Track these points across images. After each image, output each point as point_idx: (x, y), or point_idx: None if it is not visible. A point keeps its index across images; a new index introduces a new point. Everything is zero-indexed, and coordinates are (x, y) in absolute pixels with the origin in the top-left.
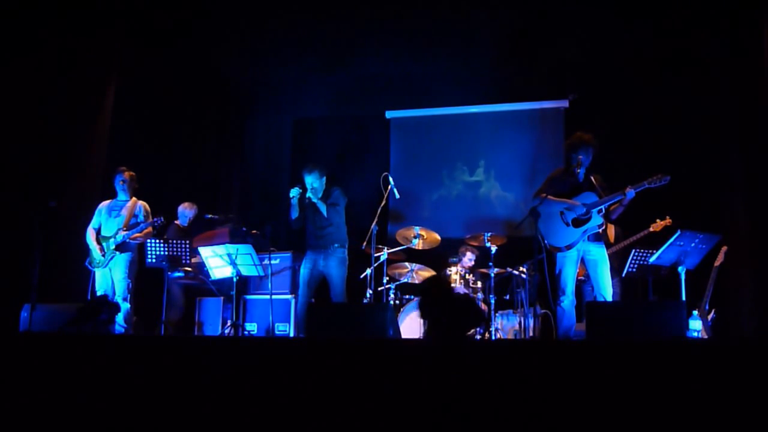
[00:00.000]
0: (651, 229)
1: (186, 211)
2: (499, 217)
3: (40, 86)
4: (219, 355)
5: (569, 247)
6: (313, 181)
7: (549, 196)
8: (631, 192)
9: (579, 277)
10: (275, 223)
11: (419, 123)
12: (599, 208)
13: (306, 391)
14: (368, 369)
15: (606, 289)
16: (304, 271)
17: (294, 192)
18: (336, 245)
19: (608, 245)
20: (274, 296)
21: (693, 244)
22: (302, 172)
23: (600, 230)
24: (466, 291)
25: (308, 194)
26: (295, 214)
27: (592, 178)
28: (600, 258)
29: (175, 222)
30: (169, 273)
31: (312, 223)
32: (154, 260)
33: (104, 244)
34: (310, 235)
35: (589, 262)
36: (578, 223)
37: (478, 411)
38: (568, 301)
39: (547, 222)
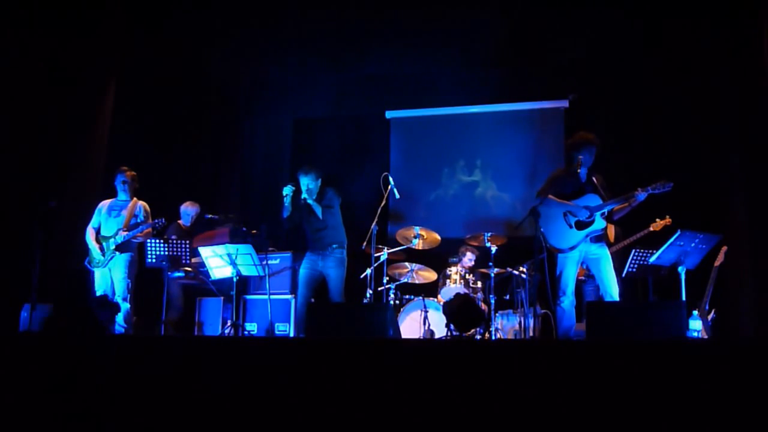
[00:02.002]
0: (651, 229)
1: (188, 209)
2: (498, 217)
3: (40, 86)
4: (219, 355)
5: (571, 249)
6: (309, 183)
7: (551, 196)
8: (641, 195)
9: (579, 277)
10: (271, 223)
11: (419, 123)
12: (603, 210)
13: (306, 391)
14: (368, 369)
15: (611, 286)
16: (303, 271)
17: (287, 190)
18: (334, 246)
19: (608, 245)
20: (274, 296)
21: (693, 244)
22: (298, 174)
23: (602, 232)
24: (467, 291)
25: (303, 195)
26: (287, 213)
27: (594, 178)
28: (603, 255)
29: (178, 221)
30: (169, 273)
31: (308, 225)
32: (154, 260)
33: (104, 243)
34: (307, 237)
35: (591, 261)
36: (581, 225)
37: (478, 411)
38: (568, 301)
39: (550, 223)
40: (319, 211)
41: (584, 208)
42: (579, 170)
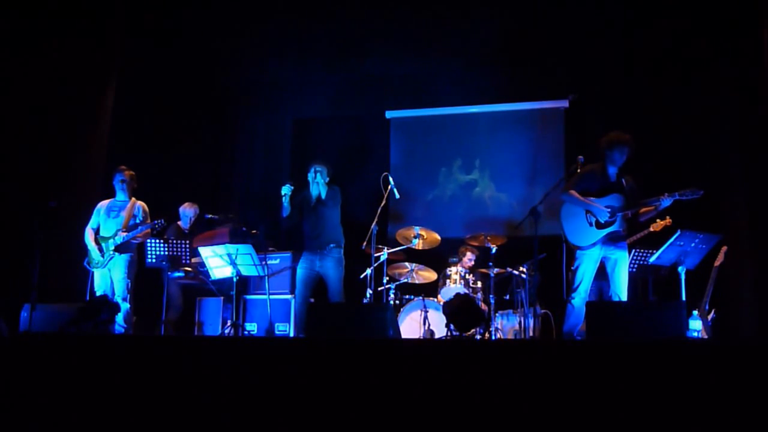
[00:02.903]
0: (651, 229)
1: (187, 210)
2: (498, 217)
3: (40, 86)
4: (219, 355)
5: (589, 246)
6: (321, 172)
7: (573, 192)
8: (667, 200)
9: None
10: (269, 223)
11: (419, 123)
12: (625, 212)
13: (306, 391)
14: (368, 369)
15: (621, 287)
16: (300, 271)
17: (285, 189)
18: (332, 246)
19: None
20: (274, 296)
21: (693, 244)
22: (311, 165)
23: (623, 233)
24: (467, 291)
25: (310, 175)
26: (285, 213)
27: (624, 180)
28: (621, 256)
29: (177, 223)
30: (169, 273)
31: (308, 225)
32: (154, 260)
33: (103, 244)
34: (305, 236)
35: (608, 260)
36: (601, 224)
37: (477, 411)
38: (579, 299)
39: (570, 219)
40: (324, 191)
41: (606, 207)
42: (578, 170)
